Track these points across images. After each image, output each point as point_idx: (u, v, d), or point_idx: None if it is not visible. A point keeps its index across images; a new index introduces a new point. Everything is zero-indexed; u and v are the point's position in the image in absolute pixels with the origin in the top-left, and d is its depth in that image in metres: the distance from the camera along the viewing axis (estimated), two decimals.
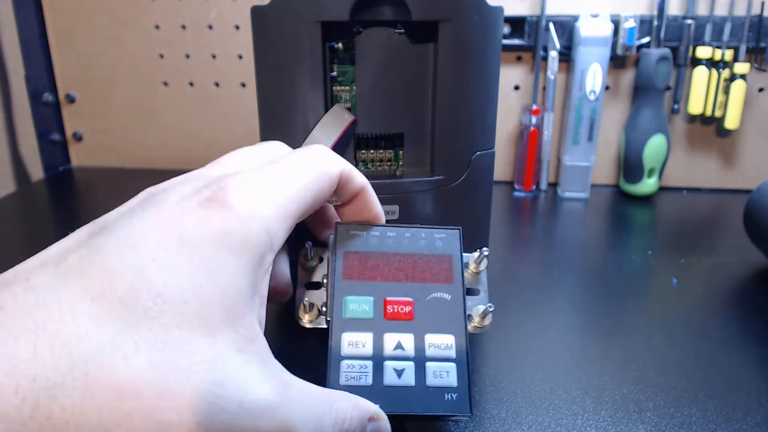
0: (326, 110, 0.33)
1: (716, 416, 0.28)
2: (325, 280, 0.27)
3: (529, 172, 0.65)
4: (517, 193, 0.65)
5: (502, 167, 0.69)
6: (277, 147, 0.25)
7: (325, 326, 0.25)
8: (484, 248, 0.27)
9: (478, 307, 0.27)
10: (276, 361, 0.19)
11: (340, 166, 0.24)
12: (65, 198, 0.65)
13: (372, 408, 0.22)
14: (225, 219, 0.18)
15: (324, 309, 0.26)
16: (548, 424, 0.27)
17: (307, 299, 0.26)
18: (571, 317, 0.37)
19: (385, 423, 0.22)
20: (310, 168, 0.22)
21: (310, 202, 0.22)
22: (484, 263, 0.28)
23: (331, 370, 0.23)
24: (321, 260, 0.27)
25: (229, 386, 0.17)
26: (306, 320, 0.26)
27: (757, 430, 0.27)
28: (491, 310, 0.26)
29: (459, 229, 0.27)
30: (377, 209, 0.26)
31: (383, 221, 0.27)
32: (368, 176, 0.32)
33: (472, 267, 0.28)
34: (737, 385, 0.30)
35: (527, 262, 0.47)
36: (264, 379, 0.18)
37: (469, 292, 0.27)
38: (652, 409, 0.28)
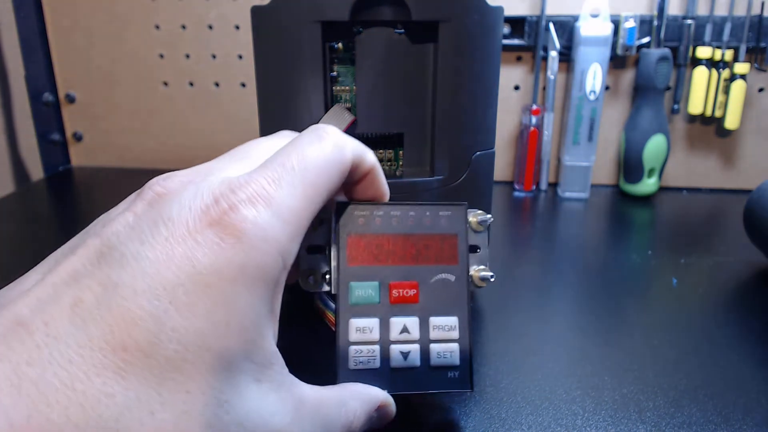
0: (326, 110, 0.33)
1: (716, 416, 0.28)
2: (327, 249, 0.26)
3: (529, 172, 0.65)
4: (517, 193, 0.65)
5: (502, 167, 0.69)
6: (284, 140, 0.24)
7: (327, 289, 0.25)
8: (489, 216, 0.27)
9: (478, 268, 0.27)
10: (290, 377, 0.20)
11: (352, 152, 0.22)
12: (65, 198, 0.65)
13: (379, 397, 0.23)
14: (239, 251, 0.18)
15: (327, 276, 0.26)
16: (548, 424, 0.27)
17: (309, 266, 0.26)
18: (571, 317, 0.37)
19: (391, 407, 0.24)
20: (322, 167, 0.21)
21: (322, 202, 0.21)
22: (487, 223, 0.27)
23: (340, 355, 0.24)
24: (321, 222, 0.26)
25: (247, 425, 0.18)
26: (310, 285, 0.26)
27: (757, 430, 0.27)
28: (492, 280, 0.26)
29: (465, 204, 0.26)
30: (384, 187, 0.25)
31: (388, 198, 0.26)
32: None
33: (474, 224, 0.27)
34: (737, 385, 0.30)
35: (527, 262, 0.47)
36: (279, 407, 0.19)
37: (471, 249, 0.27)
38: (652, 409, 0.28)
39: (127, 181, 0.70)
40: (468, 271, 0.26)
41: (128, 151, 0.74)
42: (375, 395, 0.23)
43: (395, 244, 0.25)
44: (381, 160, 0.36)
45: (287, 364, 0.20)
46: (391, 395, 0.24)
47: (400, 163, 0.36)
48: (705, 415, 0.28)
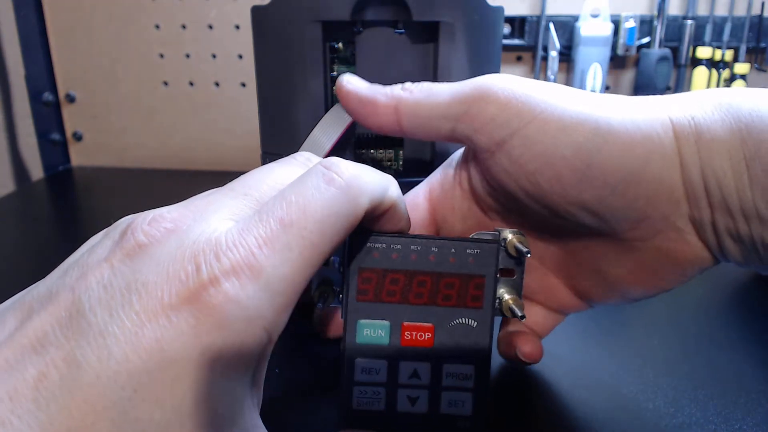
0: (326, 110, 0.33)
1: (716, 416, 0.28)
2: (341, 269, 0.24)
3: None
4: None
5: None
6: (296, 169, 0.21)
7: (337, 305, 0.24)
8: (526, 249, 0.24)
9: (510, 297, 0.25)
10: None
11: (368, 198, 0.19)
12: (65, 198, 0.65)
13: None
14: (216, 337, 0.16)
15: (338, 290, 0.24)
16: (548, 424, 0.27)
17: (321, 279, 0.24)
18: (571, 318, 0.37)
19: None
20: (326, 222, 0.18)
21: (323, 261, 0.18)
22: (525, 250, 0.24)
23: (344, 394, 0.23)
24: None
25: None
26: (323, 306, 0.24)
27: (757, 430, 0.27)
28: (522, 320, 0.25)
29: (497, 243, 0.23)
30: (403, 223, 0.23)
31: (410, 227, 0.23)
32: None
33: (511, 249, 0.25)
34: (737, 385, 0.30)
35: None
36: None
37: (505, 273, 0.25)
38: (652, 410, 0.28)
39: (126, 181, 0.70)
40: (492, 317, 0.24)
41: (128, 151, 0.74)
42: None
43: (411, 281, 0.23)
44: (381, 160, 0.36)
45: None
46: None
47: (400, 163, 0.36)
48: (705, 415, 0.28)
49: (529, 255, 0.24)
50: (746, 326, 0.36)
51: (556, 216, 0.25)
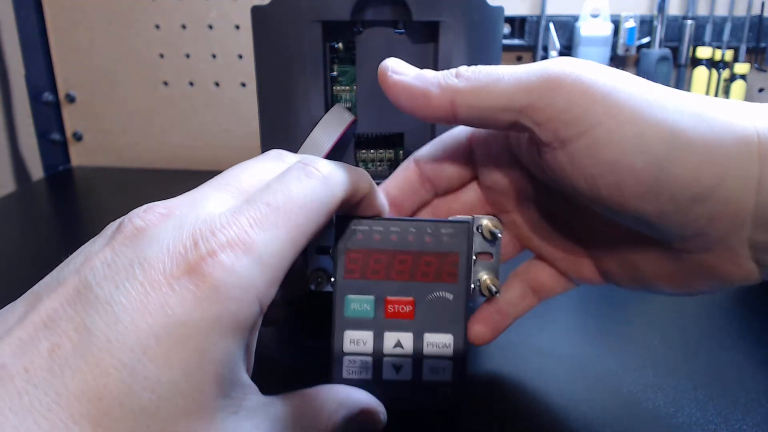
0: (326, 110, 0.33)
1: (716, 416, 0.28)
2: (332, 255, 0.26)
3: None
4: None
5: None
6: (282, 165, 0.23)
7: (330, 289, 0.26)
8: (499, 231, 0.26)
9: (487, 276, 0.26)
10: (264, 399, 0.20)
11: (342, 187, 0.22)
12: (65, 198, 0.65)
13: (361, 401, 0.23)
14: (214, 303, 0.17)
15: (330, 275, 0.26)
16: (547, 423, 0.27)
17: (316, 266, 0.26)
18: (570, 318, 0.37)
19: (377, 415, 0.24)
20: (309, 206, 0.20)
21: (307, 241, 0.20)
22: (500, 234, 0.26)
23: (335, 365, 0.25)
24: (330, 225, 0.26)
25: None
26: (318, 285, 0.26)
27: (757, 430, 0.27)
28: (497, 295, 0.27)
29: (468, 222, 0.26)
30: (381, 208, 0.25)
31: (387, 212, 0.26)
32: None
33: (486, 233, 0.26)
34: (737, 385, 0.30)
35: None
36: (255, 430, 0.19)
37: (483, 256, 0.27)
38: (652, 409, 0.28)
39: (127, 180, 0.70)
40: (468, 290, 0.26)
41: (128, 151, 0.74)
42: (356, 398, 0.23)
43: (393, 260, 0.25)
44: (381, 160, 0.36)
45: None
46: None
47: (400, 163, 0.36)
48: (705, 415, 0.28)
49: (500, 236, 0.26)
50: (747, 326, 0.36)
51: (603, 216, 0.23)
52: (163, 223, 0.19)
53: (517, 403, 0.29)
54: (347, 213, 0.25)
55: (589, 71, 0.22)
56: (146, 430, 0.16)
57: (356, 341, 0.25)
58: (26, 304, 0.18)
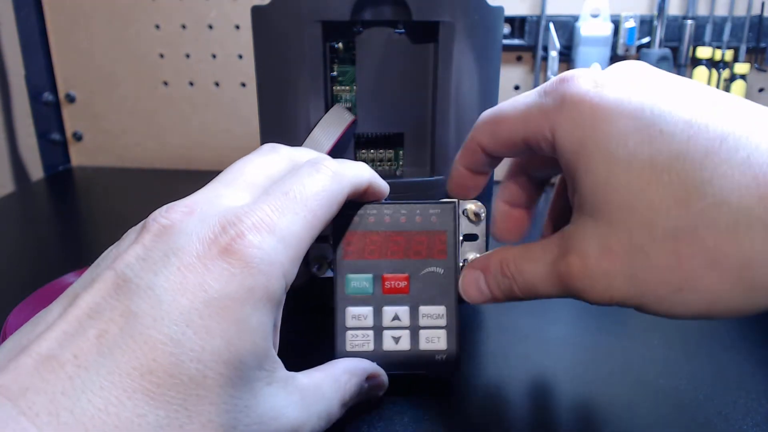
0: (326, 110, 0.33)
1: (716, 416, 0.28)
2: (331, 241, 0.28)
3: None
4: None
5: (501, 167, 0.69)
6: (281, 158, 0.25)
7: (332, 275, 0.28)
8: (482, 208, 0.28)
9: (474, 256, 0.28)
10: (289, 373, 0.22)
11: (349, 182, 0.24)
12: (65, 198, 0.65)
13: (368, 368, 0.26)
14: (247, 276, 0.19)
15: (329, 261, 0.28)
16: (545, 423, 0.27)
17: (316, 253, 0.28)
18: (570, 318, 0.37)
19: (382, 378, 0.27)
20: (322, 197, 0.22)
21: (322, 226, 0.23)
22: (483, 214, 0.28)
23: (338, 338, 0.27)
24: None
25: (265, 422, 0.20)
26: (317, 271, 0.28)
27: (757, 430, 0.27)
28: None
29: (453, 203, 0.28)
30: (382, 191, 0.27)
31: (387, 193, 0.27)
32: None
33: (470, 215, 0.28)
34: (737, 385, 0.30)
35: None
36: (288, 401, 0.21)
37: (469, 237, 0.28)
38: (652, 410, 0.28)
39: (127, 180, 0.70)
40: (457, 265, 0.28)
41: (128, 151, 0.74)
42: (363, 367, 0.26)
43: (388, 240, 0.27)
44: (381, 160, 0.36)
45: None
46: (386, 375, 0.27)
47: (400, 163, 0.36)
48: (705, 415, 0.28)
49: (484, 216, 0.28)
50: (747, 326, 0.36)
51: None
52: (188, 218, 0.20)
53: (511, 402, 0.29)
54: (356, 201, 0.27)
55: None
56: (196, 399, 0.18)
57: (357, 316, 0.27)
58: (64, 303, 0.19)
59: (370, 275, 0.27)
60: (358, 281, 0.27)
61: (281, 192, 0.22)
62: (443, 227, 0.28)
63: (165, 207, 0.21)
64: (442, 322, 0.28)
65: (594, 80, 0.22)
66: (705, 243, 0.19)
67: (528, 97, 0.24)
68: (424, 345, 0.28)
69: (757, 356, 0.33)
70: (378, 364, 0.27)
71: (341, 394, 0.24)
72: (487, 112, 0.25)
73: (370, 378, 0.26)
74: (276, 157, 0.25)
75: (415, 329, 0.28)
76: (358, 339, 0.27)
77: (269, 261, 0.20)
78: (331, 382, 0.24)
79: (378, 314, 0.27)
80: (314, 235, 0.22)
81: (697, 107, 0.20)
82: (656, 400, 0.29)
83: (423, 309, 0.28)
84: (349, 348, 0.27)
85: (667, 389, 0.30)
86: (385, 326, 0.27)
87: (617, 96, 0.21)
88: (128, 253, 0.19)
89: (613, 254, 0.21)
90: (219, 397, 0.18)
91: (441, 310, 0.28)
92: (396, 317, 0.27)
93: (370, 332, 0.27)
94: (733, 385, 0.30)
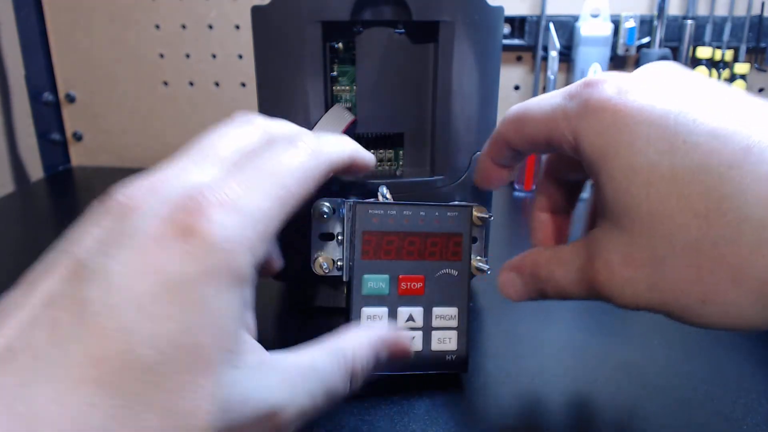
0: (326, 110, 0.33)
1: (716, 416, 0.28)
2: (339, 236, 0.28)
3: (529, 172, 0.65)
4: (516, 193, 0.65)
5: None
6: (255, 130, 0.23)
7: (338, 274, 0.28)
8: (490, 214, 0.29)
9: (476, 258, 0.29)
10: (268, 354, 0.20)
11: (327, 158, 0.23)
12: (65, 198, 0.65)
13: (380, 332, 0.24)
14: (208, 257, 0.18)
15: (339, 263, 0.28)
16: (544, 423, 0.27)
17: (321, 252, 0.28)
18: (570, 318, 0.37)
19: (400, 342, 0.24)
20: (296, 173, 0.21)
21: (296, 204, 0.21)
22: (487, 218, 0.28)
23: None
24: (333, 212, 0.27)
25: (230, 407, 0.18)
26: (321, 271, 0.28)
27: (757, 430, 0.27)
28: (488, 273, 0.29)
29: (471, 206, 0.28)
30: (368, 163, 0.26)
31: (373, 162, 0.26)
32: (369, 177, 0.32)
33: (475, 219, 0.28)
34: (737, 385, 0.30)
35: None
36: (262, 384, 0.19)
37: (472, 240, 0.29)
38: (652, 410, 0.28)
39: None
40: (469, 267, 0.28)
41: (128, 151, 0.74)
42: (374, 333, 0.24)
43: (405, 241, 0.27)
44: (381, 160, 0.36)
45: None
46: (397, 374, 0.27)
47: (400, 163, 0.36)
48: (705, 416, 0.28)
49: (491, 218, 0.29)
50: None
51: None
52: (149, 196, 0.19)
53: (511, 403, 0.29)
54: (342, 177, 0.26)
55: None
56: (150, 386, 0.17)
57: (373, 316, 0.27)
58: (22, 292, 0.18)
59: (386, 276, 0.27)
60: (375, 282, 0.27)
61: (252, 167, 0.20)
62: (459, 229, 0.28)
63: (126, 184, 0.20)
64: (454, 323, 0.28)
65: (618, 86, 0.21)
66: (726, 259, 0.19)
67: (554, 98, 0.23)
68: (435, 345, 0.28)
69: (757, 356, 0.33)
70: (389, 364, 0.26)
71: (345, 369, 0.22)
72: (514, 109, 0.25)
73: (386, 343, 0.24)
74: (250, 128, 0.23)
75: (428, 330, 0.28)
76: None
77: (231, 238, 0.18)
78: (330, 357, 0.22)
79: (393, 315, 0.28)
80: (288, 212, 0.21)
81: (723, 115, 0.19)
82: (656, 400, 0.29)
83: (436, 310, 0.28)
84: None
85: (666, 389, 0.30)
86: (399, 327, 0.27)
87: (641, 103, 0.21)
88: (86, 236, 0.18)
89: (635, 263, 0.21)
90: (177, 383, 0.17)
91: (453, 311, 0.28)
92: (410, 318, 0.28)
93: None
94: (733, 385, 0.30)
